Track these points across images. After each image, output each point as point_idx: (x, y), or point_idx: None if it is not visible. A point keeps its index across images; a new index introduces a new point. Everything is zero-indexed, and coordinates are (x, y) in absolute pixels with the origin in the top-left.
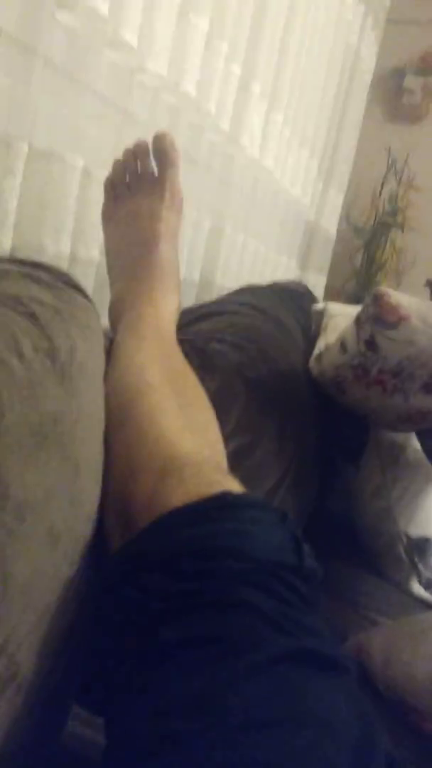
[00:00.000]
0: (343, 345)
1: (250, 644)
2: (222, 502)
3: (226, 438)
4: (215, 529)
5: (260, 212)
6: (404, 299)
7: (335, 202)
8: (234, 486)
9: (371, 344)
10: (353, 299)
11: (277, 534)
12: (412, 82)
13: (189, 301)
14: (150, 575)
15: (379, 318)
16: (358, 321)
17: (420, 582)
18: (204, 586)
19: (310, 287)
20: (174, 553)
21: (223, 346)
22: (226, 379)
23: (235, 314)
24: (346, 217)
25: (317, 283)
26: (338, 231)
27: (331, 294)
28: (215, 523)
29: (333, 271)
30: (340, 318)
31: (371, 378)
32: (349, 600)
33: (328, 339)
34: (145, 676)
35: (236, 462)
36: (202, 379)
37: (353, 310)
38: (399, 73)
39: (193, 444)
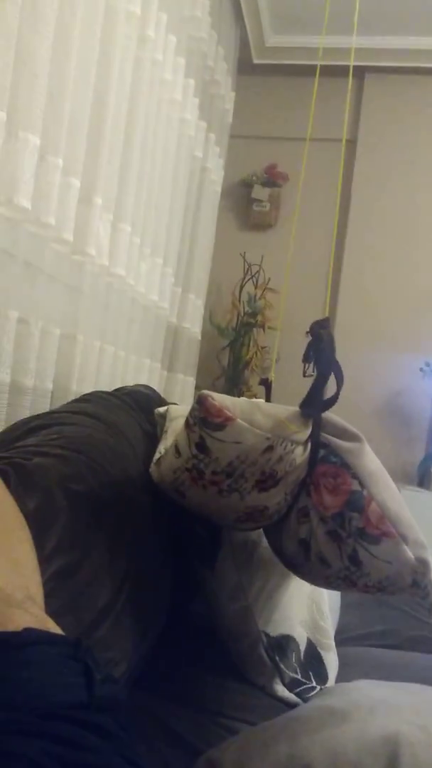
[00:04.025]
0: (177, 449)
1: None
2: None
3: (47, 558)
4: None
5: (116, 318)
6: (228, 400)
7: (196, 304)
8: (21, 619)
9: (201, 446)
10: None
11: (62, 670)
12: (259, 192)
13: (43, 410)
14: None
15: (205, 420)
16: (188, 424)
17: (283, 682)
18: None
19: (179, 387)
20: None
21: (47, 459)
22: (47, 496)
23: (64, 425)
24: (209, 318)
25: (186, 383)
26: (203, 332)
27: None
28: None
29: (202, 371)
30: (180, 420)
31: (206, 480)
32: (211, 711)
33: (167, 443)
34: None
35: (61, 582)
36: (21, 498)
37: None
38: (247, 184)
39: None
